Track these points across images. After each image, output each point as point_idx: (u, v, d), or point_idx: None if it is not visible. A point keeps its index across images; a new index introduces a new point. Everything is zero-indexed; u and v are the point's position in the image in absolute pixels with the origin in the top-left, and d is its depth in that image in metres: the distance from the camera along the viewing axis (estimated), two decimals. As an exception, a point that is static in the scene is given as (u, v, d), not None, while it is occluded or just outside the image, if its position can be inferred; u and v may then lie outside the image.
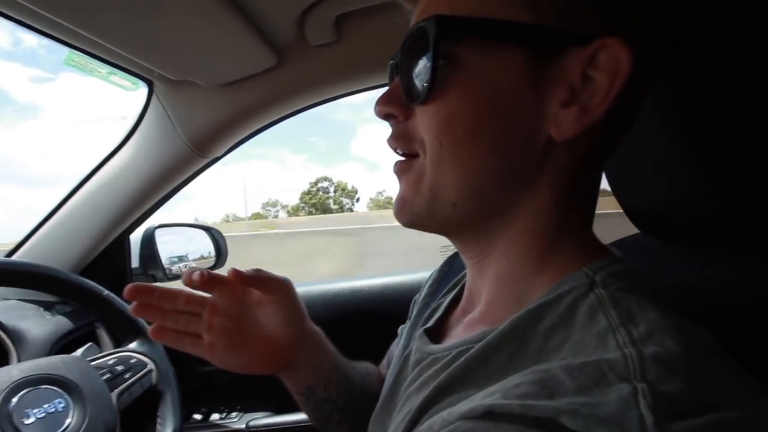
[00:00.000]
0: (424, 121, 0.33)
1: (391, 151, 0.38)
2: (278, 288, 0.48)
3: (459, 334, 0.38)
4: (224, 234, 1.26)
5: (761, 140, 0.33)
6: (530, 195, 0.33)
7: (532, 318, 0.30)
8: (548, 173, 0.32)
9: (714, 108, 0.35)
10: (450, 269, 0.55)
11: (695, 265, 0.43)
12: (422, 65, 0.32)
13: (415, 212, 0.35)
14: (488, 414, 0.24)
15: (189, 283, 0.44)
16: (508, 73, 0.30)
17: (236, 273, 0.46)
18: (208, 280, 0.44)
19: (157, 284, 0.52)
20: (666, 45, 0.38)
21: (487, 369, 0.30)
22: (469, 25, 0.30)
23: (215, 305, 0.47)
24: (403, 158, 0.36)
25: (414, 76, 0.32)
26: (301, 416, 0.99)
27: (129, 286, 0.45)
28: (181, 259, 1.18)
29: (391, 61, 0.38)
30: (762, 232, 0.37)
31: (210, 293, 0.47)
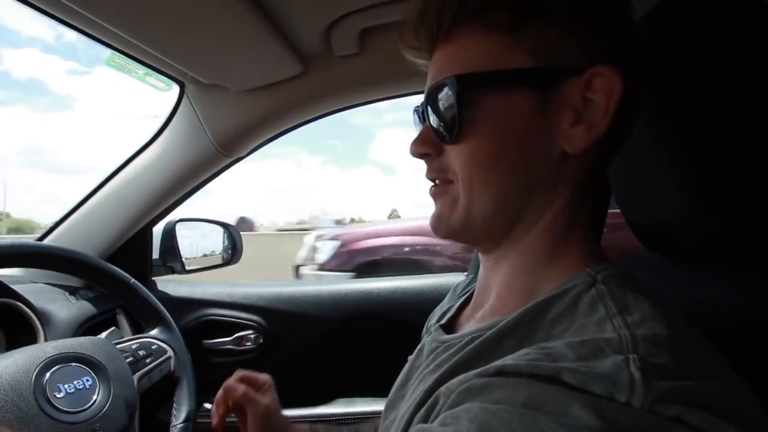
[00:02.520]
0: (455, 156, 0.39)
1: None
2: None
3: (471, 326, 0.42)
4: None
5: (756, 166, 0.36)
6: (550, 200, 0.39)
7: (540, 309, 0.34)
8: (564, 181, 0.38)
9: (714, 131, 0.38)
10: (465, 286, 0.59)
11: (695, 282, 0.45)
12: (448, 113, 0.38)
13: (450, 226, 0.41)
14: (500, 372, 0.29)
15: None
16: (519, 108, 0.36)
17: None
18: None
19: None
20: (664, 70, 0.41)
21: (498, 350, 0.33)
22: (482, 79, 0.37)
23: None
24: (436, 184, 0.43)
25: (442, 121, 0.39)
26: (305, 411, 1.02)
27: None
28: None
29: (417, 107, 0.45)
30: (757, 251, 0.39)
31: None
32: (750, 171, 0.36)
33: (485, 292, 0.44)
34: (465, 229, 0.41)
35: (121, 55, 0.79)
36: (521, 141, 0.37)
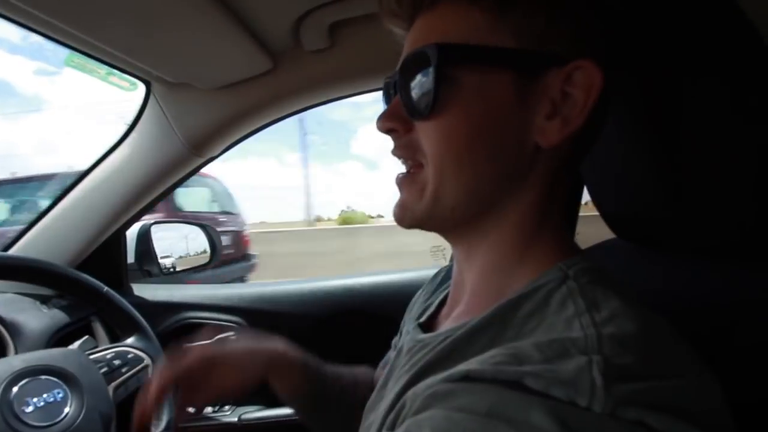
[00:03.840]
0: (427, 134, 0.37)
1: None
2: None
3: (447, 325, 0.42)
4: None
5: (722, 150, 0.36)
6: (519, 195, 0.37)
7: (512, 306, 0.34)
8: (534, 176, 0.37)
9: (679, 117, 0.38)
10: (446, 274, 0.58)
11: (667, 268, 0.46)
12: (424, 85, 0.36)
13: (415, 216, 0.39)
14: (465, 377, 0.28)
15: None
16: (499, 91, 0.35)
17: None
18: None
19: None
20: (634, 59, 0.41)
21: (470, 349, 0.33)
22: (465, 52, 0.35)
23: None
24: (406, 171, 0.40)
25: (415, 94, 0.36)
26: (290, 410, 1.01)
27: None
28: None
29: (388, 79, 0.41)
30: (726, 236, 0.39)
31: None
32: (718, 159, 0.37)
33: (461, 288, 0.43)
34: (431, 218, 0.39)
35: (81, 55, 0.76)
36: (497, 126, 0.35)
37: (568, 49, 0.34)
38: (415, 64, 0.36)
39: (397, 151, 0.40)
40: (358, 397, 0.59)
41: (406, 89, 0.37)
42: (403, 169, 0.41)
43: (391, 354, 0.62)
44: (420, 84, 0.36)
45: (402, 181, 0.40)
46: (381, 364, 0.66)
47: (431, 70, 0.35)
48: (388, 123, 0.39)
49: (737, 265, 0.40)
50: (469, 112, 0.35)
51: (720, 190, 0.37)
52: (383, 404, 0.40)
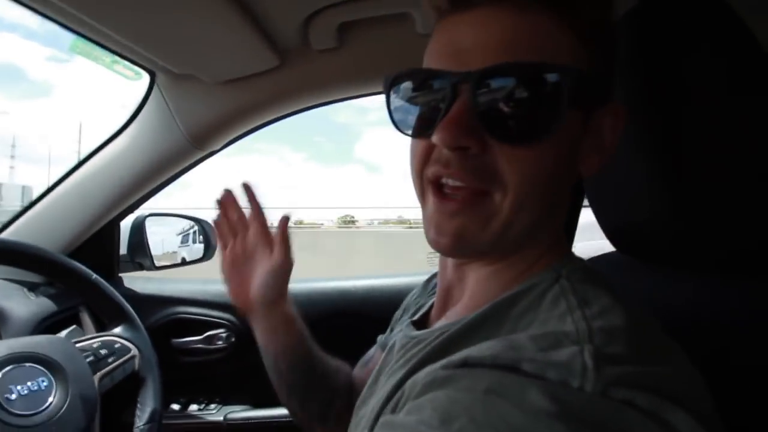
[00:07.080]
0: (514, 162, 0.32)
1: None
2: (281, 259, 0.59)
3: (442, 322, 0.42)
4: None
5: (724, 167, 0.37)
6: (553, 219, 0.39)
7: (508, 303, 0.35)
8: (566, 200, 0.40)
9: (683, 135, 0.38)
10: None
11: (664, 283, 0.46)
12: (534, 107, 0.31)
13: (477, 249, 0.36)
14: (463, 363, 0.30)
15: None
16: (575, 126, 0.34)
17: (282, 221, 0.59)
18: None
19: None
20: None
21: (466, 344, 0.33)
22: (588, 83, 0.33)
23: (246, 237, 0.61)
24: (468, 193, 0.34)
25: (516, 113, 0.31)
26: (278, 411, 1.00)
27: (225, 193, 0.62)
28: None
29: (453, 81, 0.32)
30: (726, 253, 0.40)
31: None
32: (718, 174, 0.37)
33: (457, 289, 0.43)
34: (493, 249, 0.36)
35: (86, 41, 0.76)
36: (571, 158, 0.35)
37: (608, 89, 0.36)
38: (530, 77, 0.31)
39: (464, 174, 0.33)
40: (338, 384, 0.62)
41: (500, 101, 0.31)
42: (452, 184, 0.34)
43: (374, 352, 0.63)
44: (530, 103, 0.31)
45: (459, 208, 0.34)
46: (360, 362, 0.67)
47: (558, 91, 0.31)
48: (464, 140, 0.32)
49: (738, 279, 0.40)
50: (562, 147, 0.33)
51: (721, 204, 0.38)
52: (374, 400, 0.40)
